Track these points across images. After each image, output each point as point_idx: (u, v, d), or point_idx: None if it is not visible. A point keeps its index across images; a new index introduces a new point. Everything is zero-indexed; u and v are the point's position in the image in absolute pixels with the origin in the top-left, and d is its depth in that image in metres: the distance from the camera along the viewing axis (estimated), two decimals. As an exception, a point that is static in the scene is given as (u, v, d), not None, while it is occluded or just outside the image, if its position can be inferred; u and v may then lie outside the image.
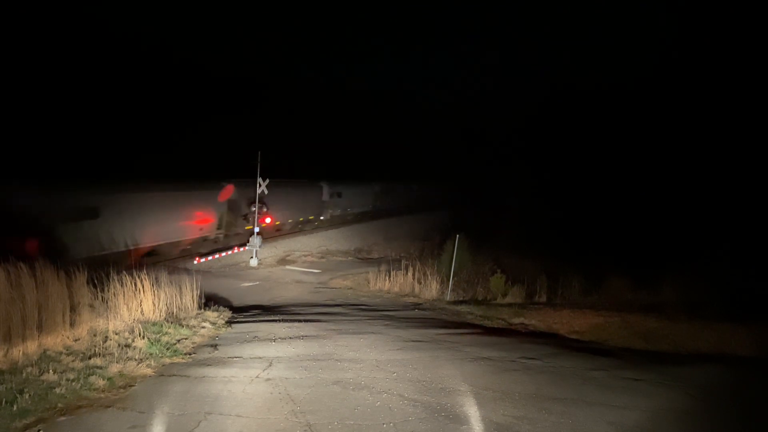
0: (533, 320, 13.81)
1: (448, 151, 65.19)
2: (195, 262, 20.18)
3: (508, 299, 16.97)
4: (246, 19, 66.17)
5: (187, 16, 53.29)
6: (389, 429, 6.36)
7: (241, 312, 13.01)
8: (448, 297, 16.75)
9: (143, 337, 9.13)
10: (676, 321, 13.06)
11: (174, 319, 10.61)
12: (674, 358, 10.71)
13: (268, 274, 20.08)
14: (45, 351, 8.13)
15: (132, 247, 17.85)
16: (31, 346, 8.06)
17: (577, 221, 33.24)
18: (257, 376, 7.88)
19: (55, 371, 7.44)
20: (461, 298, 16.92)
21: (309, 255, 24.95)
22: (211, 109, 40.46)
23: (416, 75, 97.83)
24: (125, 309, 10.11)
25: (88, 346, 8.57)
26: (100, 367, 7.79)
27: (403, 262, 19.16)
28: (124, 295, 10.25)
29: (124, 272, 10.76)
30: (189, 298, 11.48)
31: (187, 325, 10.42)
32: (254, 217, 22.04)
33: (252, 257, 21.64)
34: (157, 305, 10.58)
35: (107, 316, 9.72)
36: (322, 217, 32.10)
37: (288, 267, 22.12)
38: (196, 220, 21.83)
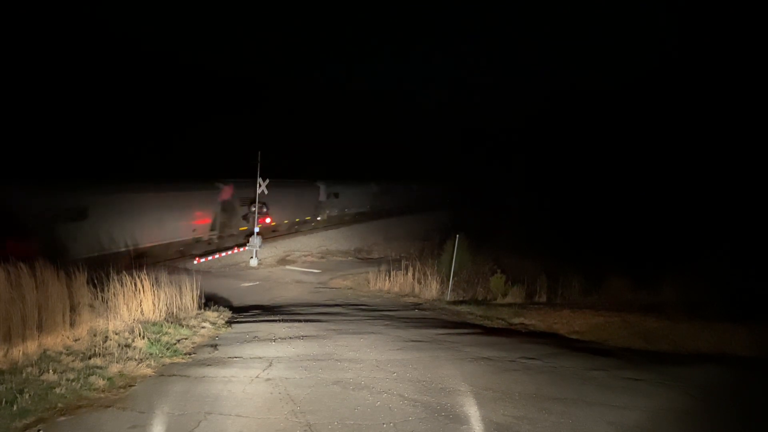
0: (533, 320, 13.81)
1: (447, 151, 65.26)
2: (195, 262, 20.17)
3: (508, 299, 16.98)
4: (246, 19, 66.21)
5: (187, 16, 53.31)
6: (389, 429, 6.36)
7: (241, 312, 13.01)
8: (448, 297, 16.75)
9: (143, 337, 9.12)
10: (676, 321, 13.05)
11: (174, 319, 10.61)
12: (674, 358, 10.71)
13: (268, 274, 20.08)
14: (45, 351, 8.13)
15: (120, 250, 17.38)
16: (31, 346, 8.05)
17: (578, 221, 33.24)
18: (257, 376, 7.88)
19: (55, 371, 7.43)
20: (461, 298, 16.92)
21: (309, 255, 24.95)
22: (210, 109, 40.46)
23: (416, 75, 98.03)
24: (125, 309, 10.11)
25: (88, 346, 8.57)
26: (100, 367, 7.79)
27: (403, 262, 19.17)
28: (124, 295, 10.25)
29: (124, 272, 10.76)
30: (189, 298, 11.47)
31: (187, 325, 10.41)
32: (254, 218, 22.01)
33: (252, 257, 21.64)
34: (157, 305, 10.57)
35: (107, 316, 9.72)
36: (318, 218, 31.89)
37: (288, 267, 22.12)
38: (189, 221, 21.45)
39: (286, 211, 27.97)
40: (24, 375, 7.27)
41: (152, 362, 8.26)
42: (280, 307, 14.34)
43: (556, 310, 14.73)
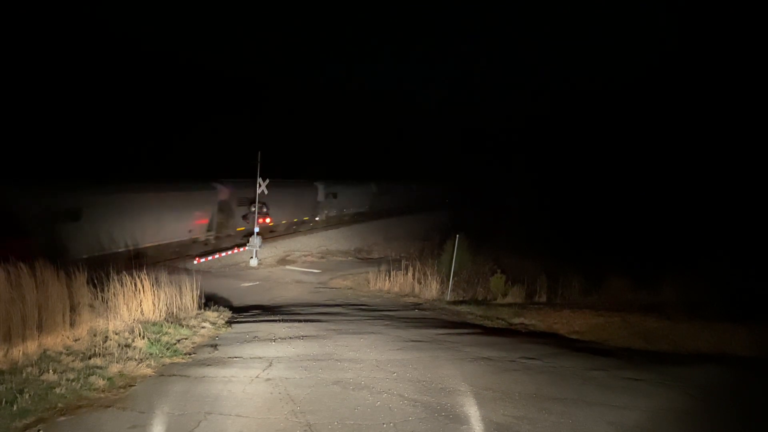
0: (533, 320, 13.81)
1: (447, 151, 65.32)
2: (195, 262, 20.16)
3: (508, 299, 16.98)
4: (246, 19, 66.22)
5: (187, 16, 53.28)
6: (389, 429, 6.36)
7: (241, 312, 13.01)
8: (448, 297, 16.75)
9: (143, 337, 9.12)
10: (676, 321, 13.06)
11: (174, 319, 10.61)
12: (674, 358, 10.71)
13: (268, 274, 20.08)
14: (45, 351, 8.13)
15: (114, 251, 17.07)
16: (31, 346, 8.05)
17: (578, 221, 33.25)
18: (257, 376, 7.88)
19: (55, 371, 7.43)
20: (461, 298, 16.92)
21: (309, 255, 24.95)
22: (209, 109, 40.29)
23: (416, 75, 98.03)
24: (125, 309, 10.10)
25: (88, 346, 8.57)
26: (100, 367, 7.79)
27: (403, 262, 19.17)
28: (124, 295, 10.25)
29: (124, 272, 10.76)
30: (189, 298, 11.47)
31: (187, 325, 10.41)
32: (254, 217, 22.00)
33: (252, 257, 21.63)
34: (157, 305, 10.57)
35: (107, 316, 9.72)
36: (316, 218, 31.67)
37: (288, 267, 22.12)
38: (186, 222, 21.17)
39: (284, 212, 27.68)
40: (24, 375, 7.27)
41: (152, 362, 8.26)
42: (280, 307, 14.34)
43: (556, 310, 14.74)
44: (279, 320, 11.78)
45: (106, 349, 8.47)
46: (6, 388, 6.81)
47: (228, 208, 23.51)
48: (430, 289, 17.14)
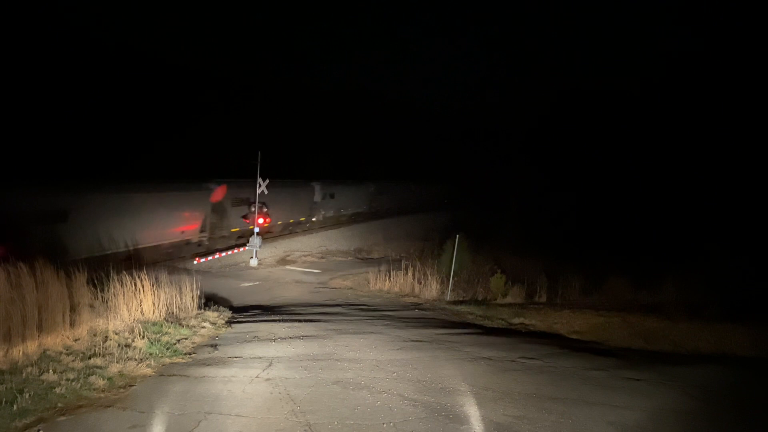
0: (533, 320, 13.81)
1: (447, 151, 65.28)
2: (195, 262, 20.15)
3: (508, 299, 16.98)
4: (245, 18, 66.23)
5: (181, 16, 53.10)
6: (389, 429, 6.36)
7: (241, 312, 13.01)
8: (448, 297, 16.75)
9: (143, 337, 9.13)
10: (676, 321, 13.05)
11: (174, 319, 10.61)
12: (674, 358, 10.72)
13: (268, 274, 20.08)
14: (45, 351, 8.13)
15: (101, 254, 16.42)
16: (31, 346, 8.05)
17: (578, 221, 33.25)
18: (257, 376, 7.88)
19: (55, 371, 7.44)
20: (461, 298, 16.92)
21: (309, 255, 24.95)
22: (202, 110, 40.01)
23: (416, 75, 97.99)
24: (125, 309, 10.10)
25: (88, 346, 8.57)
26: (100, 367, 7.79)
27: (403, 262, 19.16)
28: (124, 295, 10.25)
29: (124, 272, 10.76)
30: (189, 298, 11.47)
31: (187, 325, 10.41)
32: (254, 217, 21.97)
33: (252, 257, 21.63)
34: (157, 305, 10.57)
35: (107, 316, 9.72)
36: (313, 219, 31.32)
37: (288, 267, 22.12)
38: (177, 223, 20.67)
39: (280, 213, 27.07)
40: (24, 375, 7.27)
41: (152, 362, 8.26)
42: (280, 307, 14.34)
43: (556, 310, 14.73)
44: (279, 320, 11.78)
45: (106, 349, 8.47)
46: (6, 388, 6.81)
47: (222, 209, 23.05)
48: (430, 289, 17.14)
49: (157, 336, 9.41)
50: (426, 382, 7.88)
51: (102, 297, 10.25)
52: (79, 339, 8.79)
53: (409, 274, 17.82)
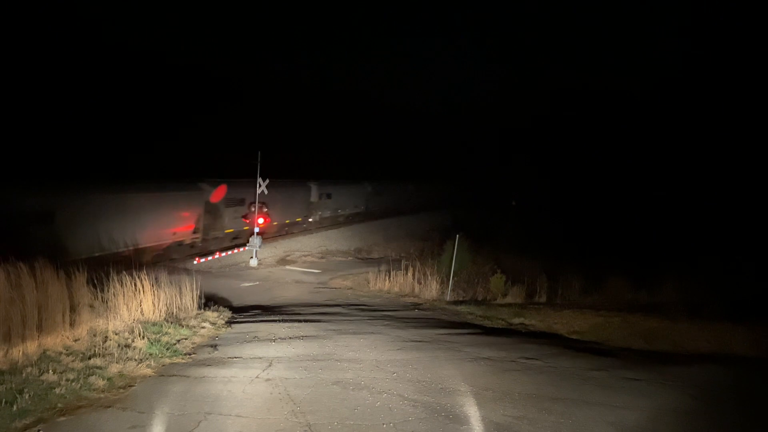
0: (533, 320, 13.80)
1: (447, 151, 65.28)
2: (195, 262, 20.15)
3: (508, 299, 16.98)
4: (244, 18, 66.22)
5: (175, 14, 52.96)
6: (389, 429, 6.36)
7: (241, 312, 13.01)
8: (448, 297, 16.75)
9: (143, 338, 9.13)
10: (676, 321, 13.04)
11: (174, 319, 10.60)
12: (674, 358, 10.71)
13: (267, 274, 20.08)
14: (45, 351, 8.13)
15: (88, 256, 15.62)
16: (31, 346, 8.05)
17: (578, 221, 33.27)
18: (257, 377, 7.88)
19: (54, 371, 7.43)
20: (461, 298, 16.92)
21: (309, 255, 24.94)
22: (196, 109, 39.69)
23: (415, 74, 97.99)
24: (125, 309, 10.11)
25: (88, 346, 8.57)
26: (100, 368, 7.79)
27: (403, 262, 19.16)
28: (123, 296, 10.25)
29: (124, 272, 10.75)
30: (189, 298, 11.47)
31: (187, 326, 10.41)
32: (254, 218, 21.96)
33: (252, 257, 21.62)
34: (156, 305, 10.57)
35: (107, 317, 9.72)
36: (310, 219, 30.98)
37: (288, 267, 22.12)
38: (169, 224, 20.18)
39: (276, 213, 26.35)
40: (24, 375, 7.27)
41: (152, 362, 8.26)
42: (280, 307, 14.34)
43: (556, 310, 14.73)
44: (279, 320, 11.78)
45: (105, 350, 8.47)
46: (6, 388, 6.81)
47: (215, 209, 22.64)
48: (430, 289, 17.14)
49: (157, 336, 9.41)
50: (426, 383, 7.88)
51: (102, 297, 10.25)
52: (79, 339, 8.79)
53: (409, 274, 17.82)
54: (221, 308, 12.29)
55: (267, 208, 22.72)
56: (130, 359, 8.21)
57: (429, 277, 17.49)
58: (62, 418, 6.34)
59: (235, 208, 23.59)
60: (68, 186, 17.34)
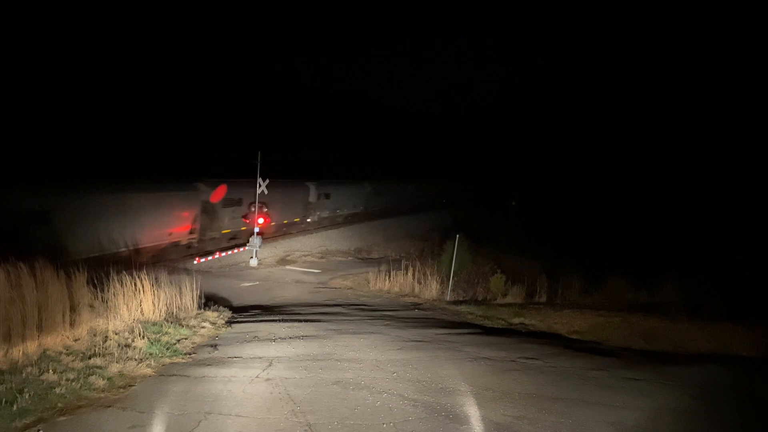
0: (533, 320, 13.81)
1: (447, 151, 65.27)
2: (195, 262, 20.15)
3: (508, 299, 16.97)
4: (242, 18, 66.18)
5: (179, 15, 52.96)
6: (389, 429, 6.36)
7: (241, 312, 13.01)
8: (448, 297, 16.75)
9: (143, 337, 9.13)
10: (676, 321, 13.04)
11: (174, 319, 10.60)
12: (674, 358, 10.71)
13: (267, 274, 20.08)
14: (45, 351, 8.13)
15: (82, 257, 14.96)
16: (31, 346, 8.05)
17: (578, 221, 33.28)
18: (257, 376, 7.88)
19: (55, 371, 7.43)
20: (461, 298, 16.92)
21: (309, 255, 24.94)
22: (193, 109, 39.69)
23: (415, 74, 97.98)
24: (125, 309, 10.10)
25: (88, 346, 8.57)
26: (100, 367, 7.79)
27: (403, 262, 19.16)
28: (123, 296, 10.25)
29: (124, 272, 10.75)
30: (189, 298, 11.46)
31: (187, 325, 10.41)
32: (254, 217, 21.96)
33: (252, 257, 21.62)
34: (156, 305, 10.57)
35: (107, 316, 9.72)
36: (308, 220, 30.83)
37: (288, 267, 22.12)
38: (165, 225, 19.99)
39: (274, 213, 25.99)
40: (24, 375, 7.27)
41: (152, 362, 8.26)
42: (280, 307, 14.34)
43: (556, 310, 14.73)
44: (279, 320, 11.78)
45: (106, 349, 8.47)
46: (6, 388, 6.81)
47: (212, 209, 22.45)
48: (430, 289, 17.14)
49: (157, 336, 9.41)
50: (426, 382, 7.88)
51: (102, 297, 10.25)
52: (79, 339, 8.79)
53: (409, 274, 17.82)
54: (221, 308, 12.29)
55: (267, 208, 22.73)
56: (130, 359, 8.21)
57: (429, 277, 17.49)
58: (62, 418, 6.34)
59: (233, 208, 23.49)
60: (68, 186, 17.31)
